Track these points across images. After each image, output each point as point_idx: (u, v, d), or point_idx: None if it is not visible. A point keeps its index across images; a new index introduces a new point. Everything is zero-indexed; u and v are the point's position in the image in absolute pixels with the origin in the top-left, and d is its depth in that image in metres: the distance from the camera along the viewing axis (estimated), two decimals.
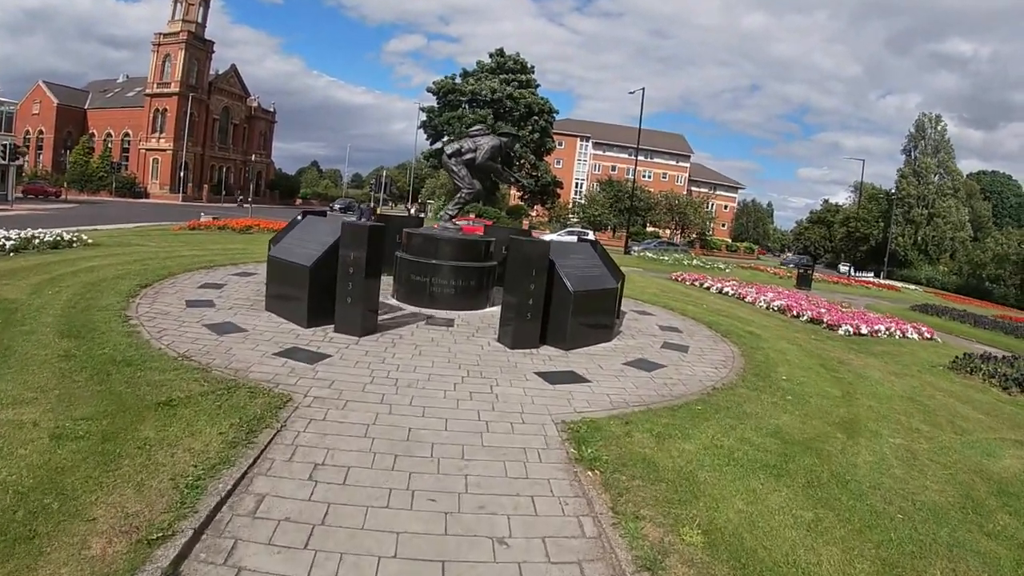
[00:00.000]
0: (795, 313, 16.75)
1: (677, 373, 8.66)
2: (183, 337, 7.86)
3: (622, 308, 12.04)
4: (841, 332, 14.59)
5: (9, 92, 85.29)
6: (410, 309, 10.72)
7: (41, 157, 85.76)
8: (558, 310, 9.10)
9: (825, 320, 15.56)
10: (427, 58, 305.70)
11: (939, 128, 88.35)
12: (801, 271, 34.66)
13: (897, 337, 15.11)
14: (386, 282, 10.89)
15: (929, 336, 15.97)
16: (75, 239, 16.03)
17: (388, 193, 65.60)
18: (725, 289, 21.24)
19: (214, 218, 29.47)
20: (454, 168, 11.95)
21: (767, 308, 17.91)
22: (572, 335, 9.14)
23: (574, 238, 48.04)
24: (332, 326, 8.78)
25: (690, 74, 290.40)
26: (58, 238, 15.47)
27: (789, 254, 67.06)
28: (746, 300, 19.37)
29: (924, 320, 20.32)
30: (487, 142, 11.90)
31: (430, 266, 10.90)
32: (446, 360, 7.95)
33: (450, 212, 12.26)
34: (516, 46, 73.66)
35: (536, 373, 7.79)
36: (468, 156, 11.86)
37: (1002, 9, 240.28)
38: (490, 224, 50.44)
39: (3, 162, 47.42)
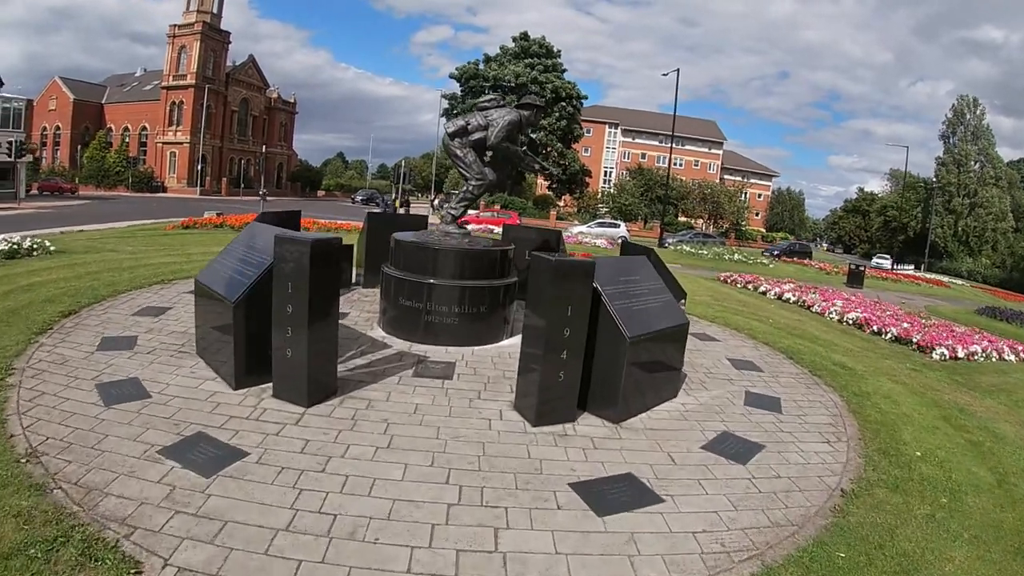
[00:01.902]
0: (875, 329, 13.99)
1: (782, 462, 5.77)
2: (57, 410, 5.41)
3: None
4: (936, 356, 12.08)
5: (34, 89, 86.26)
6: (397, 346, 7.99)
7: (59, 153, 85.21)
8: (606, 363, 6.14)
9: (914, 340, 12.82)
10: (454, 49, 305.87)
11: (978, 113, 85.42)
12: (853, 268, 32.09)
13: (995, 359, 12.56)
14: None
15: None
16: (36, 246, 14.04)
17: (409, 183, 63.32)
18: (785, 294, 18.30)
19: (218, 214, 27.77)
20: (458, 152, 9.02)
21: (840, 321, 15.07)
22: (626, 399, 6.23)
23: (605, 230, 46.05)
24: (272, 384, 6.07)
25: (718, 62, 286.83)
26: (15, 246, 13.40)
27: (782, 242, 63.67)
28: (813, 309, 16.47)
29: (1000, 329, 18.11)
30: (502, 116, 8.89)
31: (425, 287, 8.11)
32: (428, 459, 5.04)
33: (453, 211, 9.34)
34: (544, 35, 71.28)
35: (573, 485, 4.84)
36: (477, 136, 8.92)
37: None
38: (515, 219, 48.20)
39: (9, 159, 46.07)
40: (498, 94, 9.75)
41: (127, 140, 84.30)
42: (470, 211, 53.65)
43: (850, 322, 14.80)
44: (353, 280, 11.96)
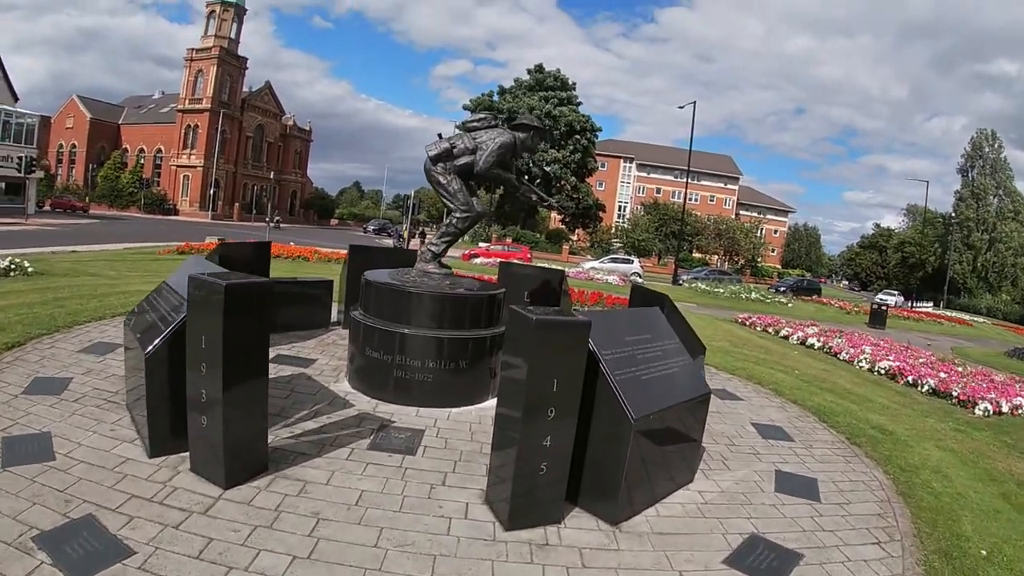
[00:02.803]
0: (910, 380, 12.66)
1: None
2: None
3: None
4: (979, 412, 10.76)
5: (55, 107, 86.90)
6: (360, 405, 6.75)
7: (74, 171, 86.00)
8: (604, 447, 4.80)
9: (954, 394, 11.52)
10: (473, 82, 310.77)
11: (996, 147, 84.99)
12: (875, 307, 31.02)
13: None
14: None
15: None
16: (14, 267, 13.41)
17: (419, 213, 62.47)
18: (809, 339, 16.97)
19: (219, 239, 26.32)
20: (440, 179, 7.70)
21: (871, 370, 13.75)
22: (628, 493, 4.80)
23: (617, 266, 44.83)
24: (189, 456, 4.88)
25: (734, 98, 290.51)
26: None
27: (788, 279, 62.79)
28: (840, 356, 15.14)
29: None
30: (492, 138, 7.67)
31: (396, 336, 6.84)
32: None
33: (434, 248, 8.04)
34: (562, 70, 71.16)
35: None
36: (464, 161, 7.66)
37: None
38: (526, 253, 47.09)
39: (19, 175, 46.52)
40: (490, 114, 8.46)
41: (142, 161, 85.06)
42: (480, 244, 52.73)
43: (882, 372, 13.48)
44: (333, 318, 10.75)
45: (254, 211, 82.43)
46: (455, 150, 7.71)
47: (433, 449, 5.84)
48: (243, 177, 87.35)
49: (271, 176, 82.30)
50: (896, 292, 68.29)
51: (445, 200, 7.81)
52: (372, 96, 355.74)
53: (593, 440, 4.86)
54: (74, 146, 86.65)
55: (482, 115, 8.19)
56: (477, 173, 7.69)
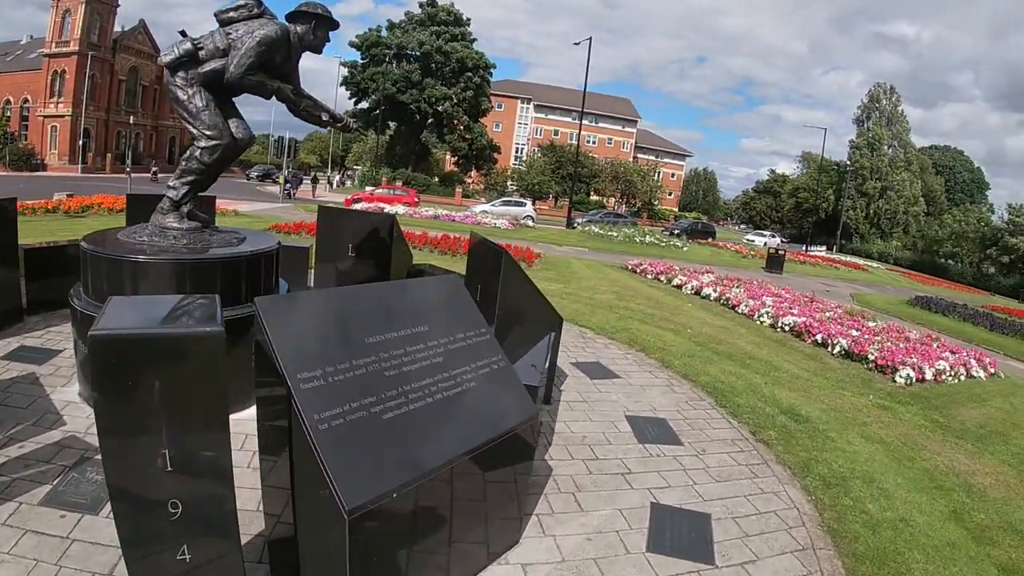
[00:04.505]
0: (818, 339, 11.08)
1: None
2: None
3: (556, 361, 6.36)
4: (900, 380, 9.29)
5: None
6: (76, 423, 4.73)
7: None
8: (323, 536, 2.78)
9: (871, 358, 9.97)
10: (373, 22, 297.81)
11: (893, 99, 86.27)
12: (772, 252, 30.04)
13: (963, 378, 10.15)
14: None
15: (994, 370, 11.01)
16: None
17: (293, 158, 58.63)
18: (705, 289, 15.27)
19: (68, 195, 23.71)
20: (179, 94, 5.38)
21: (774, 326, 12.12)
22: None
23: (509, 209, 42.62)
24: None
25: (638, 44, 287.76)
26: None
27: (683, 221, 62.83)
28: (739, 310, 13.47)
29: (939, 324, 17.93)
30: (251, 32, 5.32)
31: None
32: None
33: (172, 194, 5.56)
34: (464, 11, 68.35)
35: None
36: (213, 67, 5.31)
37: None
38: (413, 196, 44.30)
39: None
40: (255, 2, 5.89)
41: (8, 113, 77.16)
42: (367, 188, 49.40)
43: (786, 328, 11.86)
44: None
45: (129, 161, 76.86)
46: (202, 52, 5.31)
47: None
48: (116, 125, 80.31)
49: (131, 121, 76.35)
50: (765, 233, 68.02)
51: (187, 124, 5.45)
52: None
53: (303, 524, 2.76)
54: None
55: (242, 2, 5.68)
56: (228, 81, 5.31)
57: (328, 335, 3.11)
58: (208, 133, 5.33)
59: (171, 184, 5.54)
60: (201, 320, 2.57)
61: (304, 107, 5.87)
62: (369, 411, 2.87)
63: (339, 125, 6.21)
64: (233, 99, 5.77)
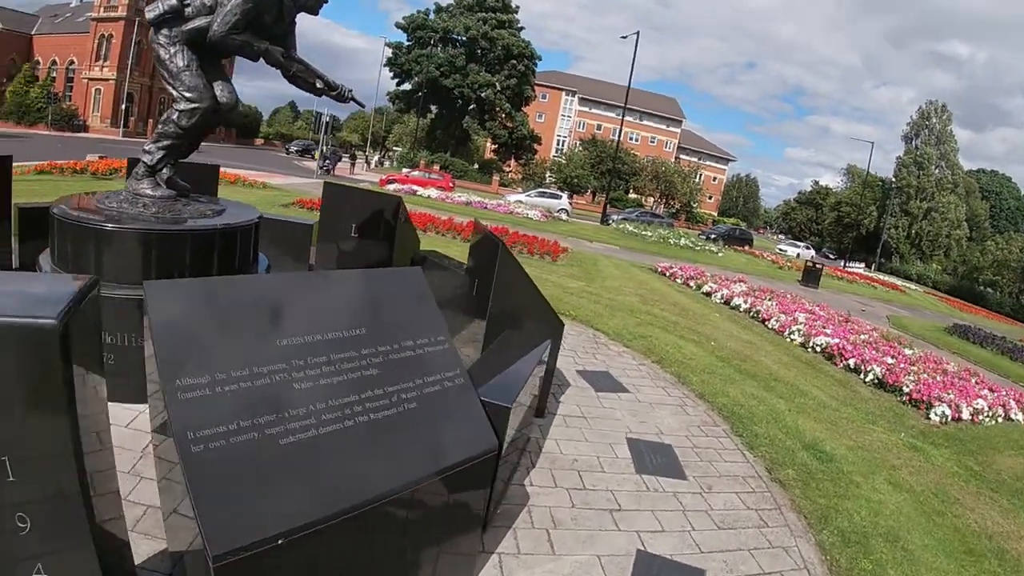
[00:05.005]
0: (851, 364, 10.33)
1: None
2: None
3: (555, 369, 6.04)
4: (935, 417, 8.53)
5: None
6: None
7: None
8: None
9: (905, 390, 9.19)
10: (423, 5, 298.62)
11: (943, 119, 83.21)
12: (809, 265, 28.96)
13: (1000, 419, 9.30)
14: None
15: None
16: None
17: (330, 135, 58.40)
18: (735, 300, 14.51)
19: (100, 157, 23.79)
20: (161, 53, 4.97)
21: (805, 346, 11.39)
22: None
23: (544, 200, 41.90)
24: None
25: (688, 44, 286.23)
26: None
27: (721, 226, 61.03)
28: (769, 324, 12.73)
29: (975, 355, 16.36)
30: None
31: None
32: None
33: (146, 159, 5.12)
34: (517, 1, 68.22)
35: None
36: (198, 24, 4.87)
37: (1004, 16, 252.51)
38: (448, 181, 43.63)
39: None
40: None
41: (54, 75, 78.00)
42: (404, 169, 49.05)
43: (817, 349, 11.10)
44: None
45: None
46: (188, 8, 4.86)
47: None
48: (160, 92, 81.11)
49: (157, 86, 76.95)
50: (799, 244, 66.31)
51: (167, 85, 5.05)
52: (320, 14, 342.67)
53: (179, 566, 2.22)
54: None
55: None
56: (211, 40, 4.83)
57: (229, 333, 2.50)
58: (187, 95, 4.89)
59: (146, 148, 5.10)
60: (36, 306, 1.99)
61: (295, 72, 5.36)
62: (263, 432, 2.25)
63: (333, 94, 5.65)
64: (223, 60, 5.40)
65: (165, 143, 5.02)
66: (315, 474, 2.36)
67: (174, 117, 4.94)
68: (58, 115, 70.76)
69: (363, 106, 6.17)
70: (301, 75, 5.40)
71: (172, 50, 4.89)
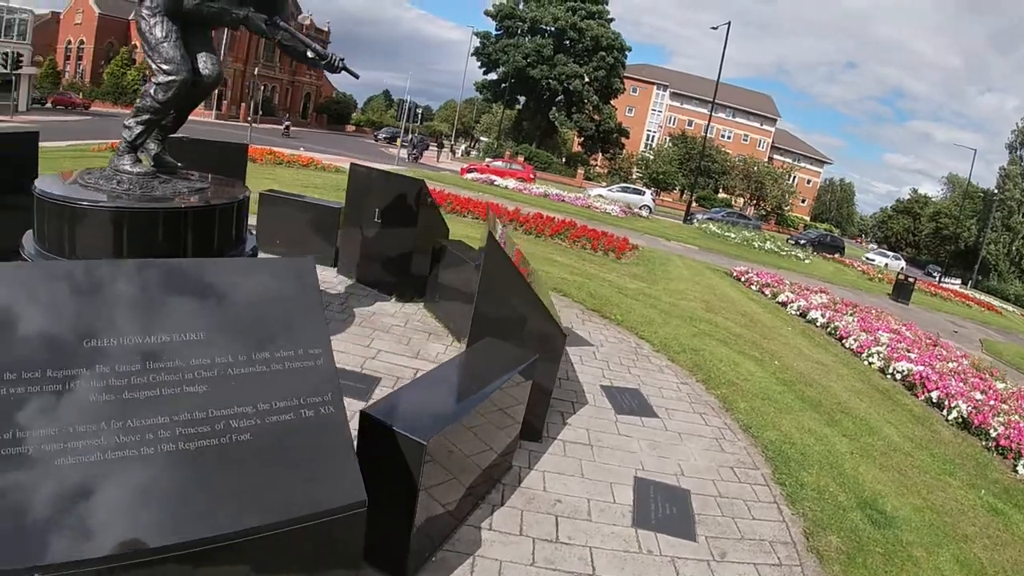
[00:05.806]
0: (933, 397, 9.07)
1: None
2: None
3: (553, 389, 5.68)
4: (1023, 471, 7.19)
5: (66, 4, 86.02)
6: None
7: (81, 67, 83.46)
8: None
9: (993, 434, 7.87)
10: None
11: None
12: (901, 279, 27.05)
13: None
14: None
15: None
16: None
17: (419, 123, 58.38)
18: (811, 313, 13.27)
19: (183, 138, 23.63)
20: (143, 25, 4.71)
21: (884, 372, 10.19)
22: None
23: (626, 196, 40.63)
24: None
25: (786, 42, 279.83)
26: None
27: (811, 231, 57.75)
28: (847, 344, 11.54)
29: None
30: None
31: None
32: None
33: (126, 135, 4.87)
34: None
35: None
36: None
37: None
38: (528, 172, 42.76)
39: (3, 71, 44.44)
40: None
41: None
42: (487, 159, 48.51)
43: (898, 376, 9.88)
44: None
45: (260, 113, 79.43)
46: None
47: None
48: (252, 77, 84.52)
49: (255, 72, 79.05)
50: (889, 253, 62.07)
51: (147, 57, 4.88)
52: (415, 6, 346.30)
53: None
54: (82, 42, 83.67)
55: None
56: (185, 7, 4.72)
57: (25, 327, 2.13)
58: (165, 68, 4.68)
59: (125, 123, 4.93)
60: None
61: (281, 39, 5.17)
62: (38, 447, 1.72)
63: (324, 63, 5.36)
64: (211, 32, 5.24)
65: (143, 117, 4.87)
66: (88, 506, 1.93)
67: (151, 91, 4.80)
68: None
69: (357, 76, 5.73)
70: (288, 43, 5.22)
71: (152, 21, 4.70)
